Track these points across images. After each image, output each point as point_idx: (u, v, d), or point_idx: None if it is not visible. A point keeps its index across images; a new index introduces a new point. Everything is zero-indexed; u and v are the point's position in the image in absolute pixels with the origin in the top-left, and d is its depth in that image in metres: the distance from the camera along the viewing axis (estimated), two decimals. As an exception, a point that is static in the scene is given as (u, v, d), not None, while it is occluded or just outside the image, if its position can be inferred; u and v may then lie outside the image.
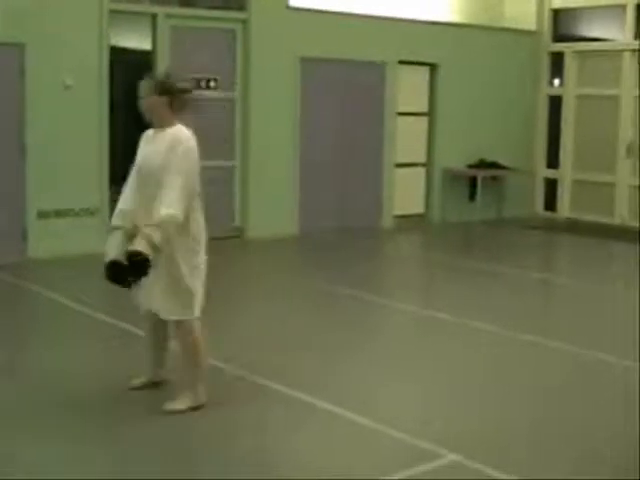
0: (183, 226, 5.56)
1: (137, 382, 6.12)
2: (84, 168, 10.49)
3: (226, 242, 11.82)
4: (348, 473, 4.84)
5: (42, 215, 10.37)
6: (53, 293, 8.80)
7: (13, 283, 9.38)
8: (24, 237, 10.33)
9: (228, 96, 12.12)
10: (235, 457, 5.07)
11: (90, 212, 10.63)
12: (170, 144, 5.55)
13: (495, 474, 4.81)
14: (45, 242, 10.20)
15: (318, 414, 5.75)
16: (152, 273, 5.51)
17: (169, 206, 5.39)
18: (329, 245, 12.20)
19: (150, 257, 5.30)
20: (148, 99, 5.68)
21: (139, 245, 5.29)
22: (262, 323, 8.12)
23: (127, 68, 11.33)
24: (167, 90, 5.68)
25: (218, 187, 12.07)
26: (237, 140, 12.23)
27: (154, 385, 6.10)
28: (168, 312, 5.69)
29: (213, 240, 11.15)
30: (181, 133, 5.63)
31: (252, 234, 12.24)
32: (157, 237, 5.32)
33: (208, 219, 11.53)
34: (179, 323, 5.71)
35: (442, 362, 6.99)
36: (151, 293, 5.70)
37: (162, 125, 5.66)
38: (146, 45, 11.47)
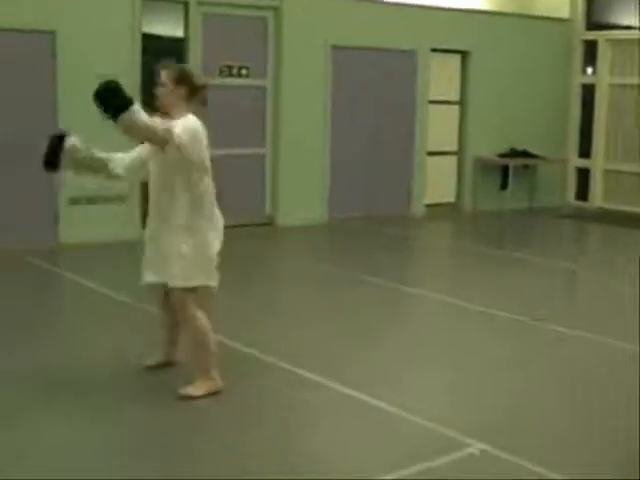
0: (184, 194, 5.57)
1: (151, 361, 6.21)
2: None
3: (257, 229, 11.89)
4: (374, 461, 4.85)
5: (74, 201, 10.44)
6: (82, 278, 8.87)
7: (44, 267, 9.46)
8: (56, 223, 10.41)
9: (259, 84, 12.13)
10: (256, 443, 5.08)
11: (120, 199, 10.68)
12: None
13: (523, 464, 4.80)
14: (76, 228, 10.27)
15: (344, 401, 5.76)
16: (154, 244, 5.69)
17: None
18: (359, 233, 12.20)
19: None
20: (166, 88, 5.68)
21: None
22: (288, 309, 8.16)
23: (159, 55, 11.34)
24: (186, 82, 5.68)
25: (249, 175, 12.12)
26: (268, 128, 12.25)
27: (168, 365, 6.17)
28: (163, 275, 5.68)
29: (244, 227, 11.37)
30: (183, 119, 5.58)
31: (282, 222, 12.26)
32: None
33: (239, 206, 11.65)
34: (177, 297, 5.67)
35: (470, 351, 6.98)
36: (156, 263, 5.74)
37: (172, 115, 5.63)
38: (178, 32, 11.49)
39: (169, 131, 5.40)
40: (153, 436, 5.20)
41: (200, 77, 5.85)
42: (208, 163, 5.67)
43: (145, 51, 10.95)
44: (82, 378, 6.08)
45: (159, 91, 5.73)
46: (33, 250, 9.88)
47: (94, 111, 10.78)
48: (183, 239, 5.57)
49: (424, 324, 7.88)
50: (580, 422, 5.51)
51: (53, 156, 5.71)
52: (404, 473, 4.68)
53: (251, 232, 11.65)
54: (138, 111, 5.26)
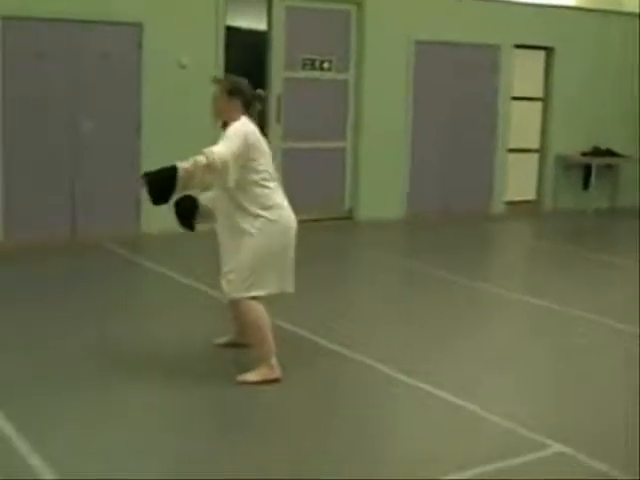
0: (242, 203, 5.65)
1: (221, 340, 6.39)
2: (197, 146, 10.58)
3: (336, 223, 11.91)
4: (450, 458, 4.82)
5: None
6: (162, 267, 9.04)
7: (125, 257, 9.63)
8: (138, 213, 10.54)
9: (341, 77, 12.13)
10: (329, 435, 5.11)
11: (201, 190, 10.76)
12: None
13: (601, 467, 4.73)
14: (157, 218, 10.36)
15: (420, 396, 5.74)
16: (223, 251, 5.80)
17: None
18: (438, 229, 12.13)
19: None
20: (220, 100, 5.84)
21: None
22: (369, 306, 8.18)
23: (242, 48, 11.43)
24: (240, 94, 5.82)
25: (329, 168, 12.14)
26: (349, 121, 12.25)
27: (238, 345, 6.24)
28: (224, 286, 5.81)
29: (323, 221, 11.39)
30: (235, 123, 5.72)
31: (362, 216, 12.26)
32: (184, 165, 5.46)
33: (319, 200, 11.66)
34: (235, 301, 5.80)
35: (548, 351, 6.91)
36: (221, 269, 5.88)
37: (229, 124, 5.76)
38: (261, 25, 11.55)
39: (214, 159, 5.49)
40: (220, 416, 5.30)
41: (252, 89, 5.90)
42: (264, 164, 5.72)
43: (229, 44, 11.03)
44: (148, 357, 6.26)
45: (214, 104, 5.89)
46: (115, 238, 10.07)
47: (175, 102, 10.98)
48: (240, 244, 5.67)
49: (503, 323, 7.83)
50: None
51: (188, 221, 6.05)
52: (483, 471, 4.65)
53: (331, 226, 11.68)
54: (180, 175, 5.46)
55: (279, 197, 5.80)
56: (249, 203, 5.65)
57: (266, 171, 5.72)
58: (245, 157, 5.59)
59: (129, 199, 10.47)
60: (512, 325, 7.78)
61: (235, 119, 5.75)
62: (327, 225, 11.59)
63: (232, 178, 5.55)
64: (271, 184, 5.75)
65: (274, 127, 11.40)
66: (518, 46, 13.40)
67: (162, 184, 5.46)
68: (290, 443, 4.98)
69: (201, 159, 5.47)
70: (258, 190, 5.67)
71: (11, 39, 9.73)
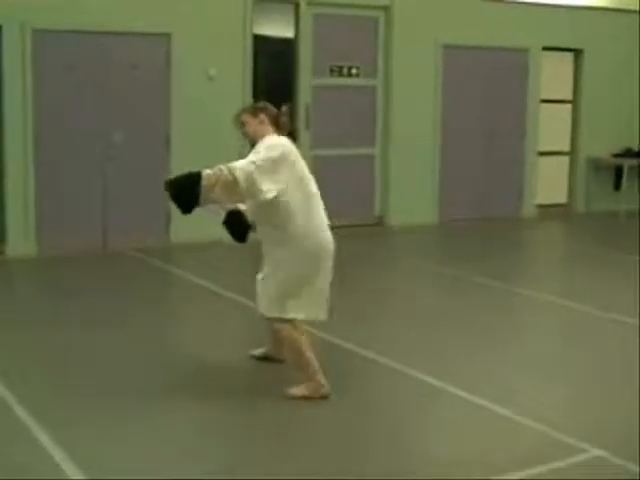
0: (272, 219, 5.55)
1: (257, 352, 6.34)
2: (226, 157, 10.61)
3: (367, 230, 11.90)
4: (483, 462, 4.78)
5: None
6: (192, 275, 9.07)
7: (155, 266, 9.66)
8: (167, 223, 10.57)
9: (370, 83, 12.12)
10: (362, 441, 5.08)
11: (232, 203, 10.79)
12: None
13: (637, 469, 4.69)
14: (186, 228, 10.37)
15: (453, 401, 5.71)
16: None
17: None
18: (469, 234, 12.10)
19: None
20: (247, 125, 5.74)
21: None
22: (401, 311, 8.15)
23: (270, 56, 11.45)
24: (262, 111, 5.74)
25: (359, 175, 12.12)
26: (378, 128, 12.23)
27: (275, 360, 6.20)
28: (259, 304, 5.75)
29: (353, 227, 11.38)
30: (265, 139, 5.61)
31: (392, 222, 12.23)
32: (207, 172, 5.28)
33: (349, 206, 11.63)
34: (272, 319, 5.72)
35: (583, 354, 6.85)
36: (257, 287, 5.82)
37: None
38: (289, 33, 11.56)
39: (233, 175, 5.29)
40: (261, 424, 5.25)
41: (272, 106, 5.85)
42: (299, 177, 5.65)
43: (256, 52, 11.05)
44: (183, 367, 6.24)
45: (244, 132, 5.80)
46: (145, 248, 10.16)
47: (204, 112, 10.98)
48: (275, 260, 5.61)
49: (538, 326, 7.78)
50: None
51: (239, 233, 5.93)
52: (528, 474, 4.63)
53: (361, 232, 11.66)
54: (203, 185, 5.30)
55: (314, 216, 5.64)
56: (278, 219, 5.53)
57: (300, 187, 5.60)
58: (282, 166, 5.46)
59: (159, 210, 10.50)
60: (546, 328, 7.73)
61: (264, 136, 5.66)
62: (357, 232, 11.57)
63: (264, 190, 5.34)
64: (305, 202, 5.61)
65: (303, 134, 11.41)
66: (546, 48, 13.34)
67: (184, 190, 5.38)
68: (333, 451, 4.95)
69: (224, 171, 5.27)
70: (287, 207, 5.51)
71: (42, 51, 9.82)
